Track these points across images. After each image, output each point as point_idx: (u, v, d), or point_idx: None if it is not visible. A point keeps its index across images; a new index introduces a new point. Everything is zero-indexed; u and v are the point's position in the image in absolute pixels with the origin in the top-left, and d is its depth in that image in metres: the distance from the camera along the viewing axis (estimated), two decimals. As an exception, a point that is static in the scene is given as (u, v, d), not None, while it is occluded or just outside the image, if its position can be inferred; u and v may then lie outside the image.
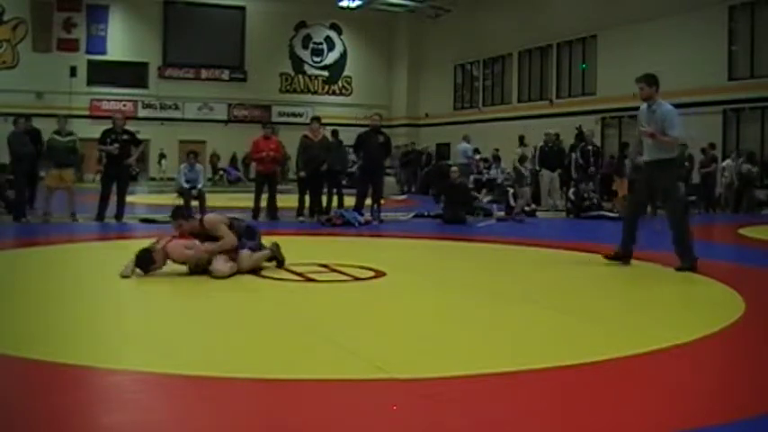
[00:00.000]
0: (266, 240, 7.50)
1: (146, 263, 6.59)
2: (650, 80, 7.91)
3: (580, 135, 17.85)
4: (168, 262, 6.73)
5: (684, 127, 8.09)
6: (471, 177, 20.62)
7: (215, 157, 35.40)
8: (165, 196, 18.72)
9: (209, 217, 6.84)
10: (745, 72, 22.25)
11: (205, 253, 6.64)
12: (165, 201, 17.14)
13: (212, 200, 14.24)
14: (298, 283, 6.71)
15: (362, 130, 14.40)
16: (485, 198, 19.55)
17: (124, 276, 6.49)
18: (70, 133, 13.05)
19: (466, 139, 22.50)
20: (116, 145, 12.39)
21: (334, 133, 15.44)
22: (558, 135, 18.90)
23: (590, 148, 16.59)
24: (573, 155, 16.99)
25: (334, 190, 14.34)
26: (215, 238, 6.75)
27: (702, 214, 17.75)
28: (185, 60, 36.78)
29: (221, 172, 34.60)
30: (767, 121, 22.09)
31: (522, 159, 16.61)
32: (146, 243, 7.08)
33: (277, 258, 7.38)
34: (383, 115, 19.31)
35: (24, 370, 3.89)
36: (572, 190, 15.79)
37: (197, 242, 6.69)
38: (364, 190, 13.54)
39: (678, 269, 7.68)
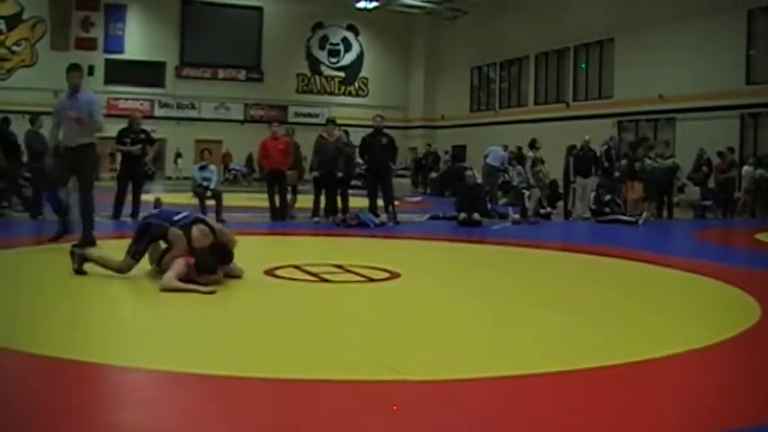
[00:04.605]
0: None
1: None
2: (82, 71, 9.06)
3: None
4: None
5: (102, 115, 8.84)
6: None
7: (227, 157, 35.56)
8: (181, 195, 18.77)
9: (198, 249, 6.64)
10: (764, 76, 22.04)
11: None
12: (180, 200, 17.19)
13: (228, 199, 14.24)
14: (312, 284, 6.72)
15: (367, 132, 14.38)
16: (500, 201, 19.51)
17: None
18: None
19: (504, 146, 21.84)
20: (138, 146, 12.50)
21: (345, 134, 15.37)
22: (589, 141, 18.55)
23: (613, 150, 16.46)
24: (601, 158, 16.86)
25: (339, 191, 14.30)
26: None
27: (720, 219, 17.65)
28: (202, 60, 36.94)
29: (232, 171, 34.81)
30: (785, 126, 21.95)
31: (535, 163, 16.53)
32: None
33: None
34: (396, 117, 19.17)
35: (36, 367, 3.90)
36: (593, 194, 15.73)
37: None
38: (373, 191, 13.58)
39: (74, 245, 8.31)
